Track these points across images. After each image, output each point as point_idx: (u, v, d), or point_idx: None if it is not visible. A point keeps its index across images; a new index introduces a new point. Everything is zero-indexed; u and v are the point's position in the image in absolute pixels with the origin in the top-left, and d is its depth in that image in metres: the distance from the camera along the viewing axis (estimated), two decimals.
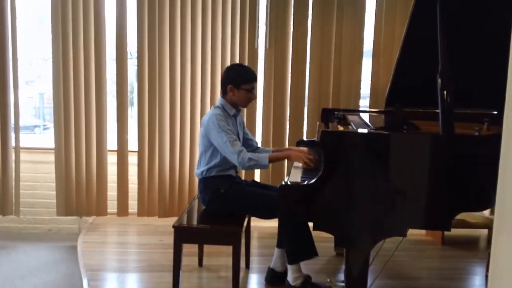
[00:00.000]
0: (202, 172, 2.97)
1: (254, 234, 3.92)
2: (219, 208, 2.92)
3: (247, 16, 4.08)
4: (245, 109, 4.10)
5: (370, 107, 4.17)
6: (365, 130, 2.48)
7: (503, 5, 2.64)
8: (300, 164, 2.91)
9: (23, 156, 4.20)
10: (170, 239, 2.77)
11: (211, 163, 2.93)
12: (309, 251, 2.81)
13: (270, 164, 4.10)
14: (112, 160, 4.22)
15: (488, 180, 2.16)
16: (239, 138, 3.01)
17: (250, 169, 2.87)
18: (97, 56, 4.05)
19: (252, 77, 2.99)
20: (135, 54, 4.18)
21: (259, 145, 3.30)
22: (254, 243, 3.81)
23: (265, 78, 4.19)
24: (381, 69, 4.15)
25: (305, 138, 3.97)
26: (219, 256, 3.47)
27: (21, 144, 4.16)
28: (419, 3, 2.71)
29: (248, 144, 3.16)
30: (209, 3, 4.04)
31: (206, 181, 2.96)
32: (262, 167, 2.88)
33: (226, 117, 2.92)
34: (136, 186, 4.22)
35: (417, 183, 2.22)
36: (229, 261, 2.69)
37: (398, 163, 2.20)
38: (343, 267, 2.78)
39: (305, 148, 3.23)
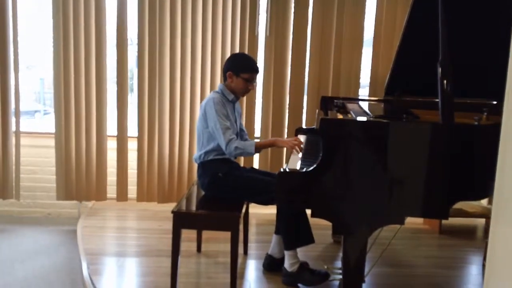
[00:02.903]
0: (200, 156, 2.99)
1: (252, 221, 3.95)
2: (217, 193, 2.94)
3: (248, 3, 4.06)
4: (244, 97, 4.10)
5: (369, 96, 4.16)
6: (364, 118, 2.48)
7: None
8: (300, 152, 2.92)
9: (23, 140, 4.20)
10: (169, 225, 2.78)
11: (208, 147, 2.95)
12: (306, 238, 2.82)
13: (269, 150, 4.17)
14: (111, 145, 4.23)
15: (487, 169, 2.18)
16: (236, 125, 3.04)
17: (237, 156, 2.93)
18: (98, 42, 4.04)
19: (252, 67, 3.00)
20: (135, 41, 4.16)
21: (258, 132, 3.31)
22: (252, 229, 3.83)
23: (265, 66, 4.18)
24: (381, 59, 4.14)
25: (304, 126, 3.98)
26: (218, 242, 3.49)
27: (22, 129, 4.16)
28: None
29: (240, 135, 3.17)
30: None
31: (204, 165, 2.99)
32: (248, 154, 2.96)
33: (224, 102, 2.96)
34: (136, 171, 4.24)
35: (416, 171, 2.22)
36: (227, 247, 2.71)
37: (397, 152, 2.20)
38: (341, 254, 2.80)
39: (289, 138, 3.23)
